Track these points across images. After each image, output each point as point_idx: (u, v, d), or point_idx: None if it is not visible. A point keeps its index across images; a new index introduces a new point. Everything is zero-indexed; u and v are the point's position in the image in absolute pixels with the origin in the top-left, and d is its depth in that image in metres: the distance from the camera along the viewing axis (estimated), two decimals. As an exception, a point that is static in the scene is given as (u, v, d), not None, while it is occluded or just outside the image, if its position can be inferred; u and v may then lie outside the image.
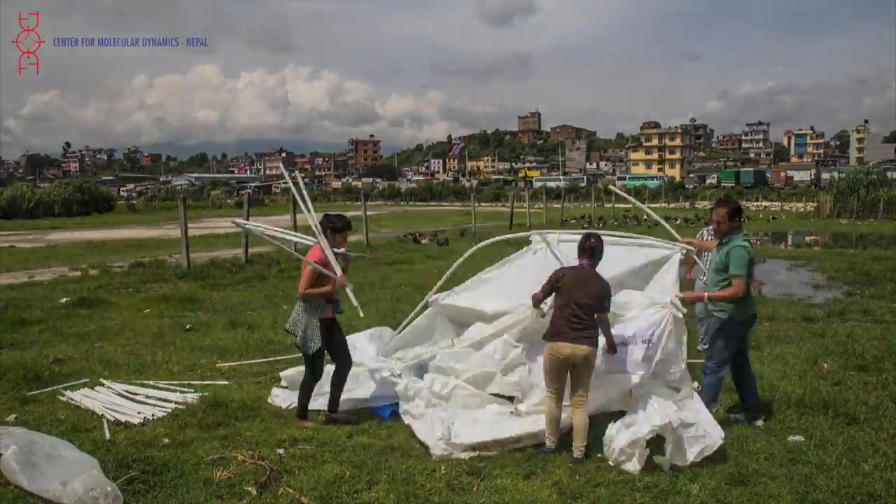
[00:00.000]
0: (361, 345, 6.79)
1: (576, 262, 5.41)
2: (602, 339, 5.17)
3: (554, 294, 5.27)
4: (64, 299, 11.22)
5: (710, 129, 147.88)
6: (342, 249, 5.79)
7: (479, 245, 6.95)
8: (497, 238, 7.41)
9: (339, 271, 5.62)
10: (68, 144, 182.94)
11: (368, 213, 22.34)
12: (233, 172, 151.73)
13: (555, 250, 6.45)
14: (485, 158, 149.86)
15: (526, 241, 6.95)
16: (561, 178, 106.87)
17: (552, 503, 4.46)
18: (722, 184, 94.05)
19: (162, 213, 46.31)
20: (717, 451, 5.00)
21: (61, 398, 6.31)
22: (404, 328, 6.89)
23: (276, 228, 6.56)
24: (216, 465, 4.89)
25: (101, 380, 6.77)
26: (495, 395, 5.82)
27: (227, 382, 6.91)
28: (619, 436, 5.02)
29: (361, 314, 5.98)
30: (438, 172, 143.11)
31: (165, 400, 6.24)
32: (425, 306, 6.76)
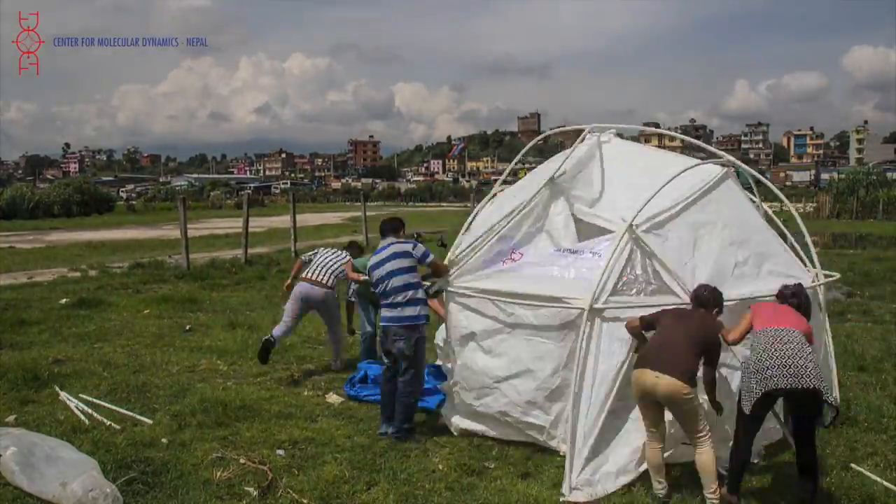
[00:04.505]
0: None
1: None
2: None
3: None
4: (63, 300, 11.22)
5: (709, 130, 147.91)
6: None
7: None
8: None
9: None
10: (68, 145, 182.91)
11: (368, 213, 22.32)
12: (232, 173, 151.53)
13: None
14: (484, 159, 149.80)
15: None
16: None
17: (552, 503, 4.47)
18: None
19: (161, 214, 46.23)
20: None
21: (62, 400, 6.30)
22: None
23: None
24: (216, 466, 4.89)
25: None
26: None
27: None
28: None
29: None
30: (438, 173, 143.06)
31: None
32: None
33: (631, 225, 5.06)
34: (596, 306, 4.85)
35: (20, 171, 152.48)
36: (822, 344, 5.71)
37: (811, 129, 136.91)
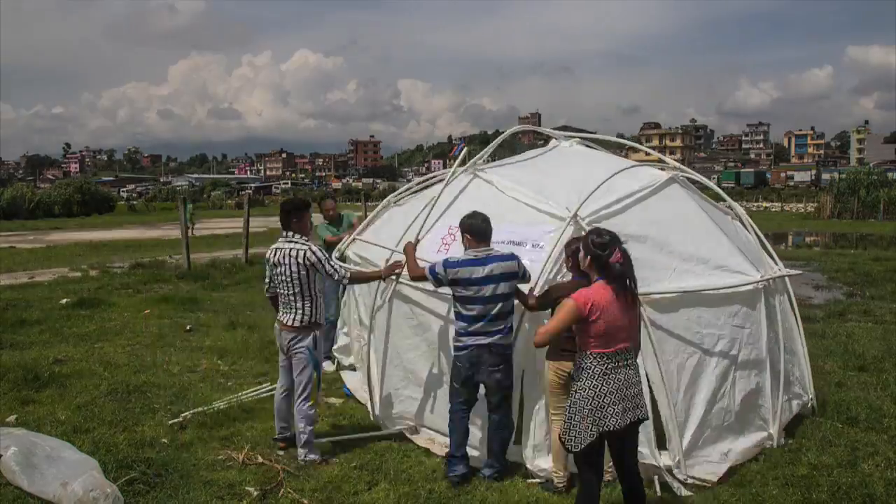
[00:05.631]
0: None
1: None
2: None
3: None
4: (64, 300, 11.22)
5: (710, 130, 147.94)
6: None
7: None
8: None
9: None
10: (68, 145, 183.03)
11: (368, 213, 22.28)
12: (233, 173, 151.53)
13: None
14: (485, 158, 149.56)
15: None
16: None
17: (552, 503, 4.47)
18: (722, 184, 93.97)
19: (162, 214, 46.28)
20: None
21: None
22: None
23: None
24: (216, 466, 4.89)
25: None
26: None
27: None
28: None
29: None
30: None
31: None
32: None
33: (575, 215, 5.05)
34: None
35: (21, 171, 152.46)
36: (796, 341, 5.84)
37: (812, 128, 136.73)
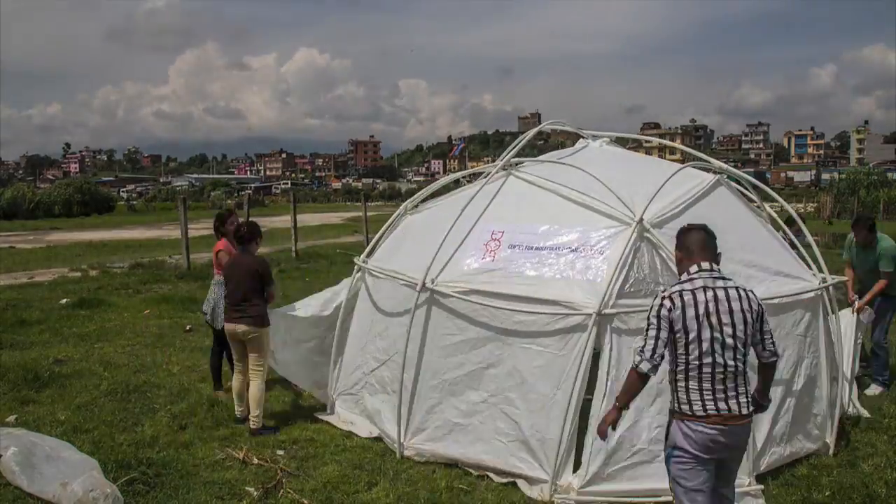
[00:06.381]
0: None
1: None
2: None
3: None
4: (64, 300, 11.22)
5: (710, 130, 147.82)
6: None
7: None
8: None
9: None
10: (68, 145, 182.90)
11: (368, 213, 22.28)
12: (233, 173, 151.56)
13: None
14: (485, 158, 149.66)
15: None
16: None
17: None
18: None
19: (162, 214, 46.25)
20: None
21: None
22: None
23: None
24: (216, 466, 4.89)
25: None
26: None
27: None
28: None
29: None
30: (439, 173, 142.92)
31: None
32: None
33: (641, 219, 4.76)
34: (605, 311, 4.44)
35: (20, 171, 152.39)
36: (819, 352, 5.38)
37: (812, 128, 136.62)
